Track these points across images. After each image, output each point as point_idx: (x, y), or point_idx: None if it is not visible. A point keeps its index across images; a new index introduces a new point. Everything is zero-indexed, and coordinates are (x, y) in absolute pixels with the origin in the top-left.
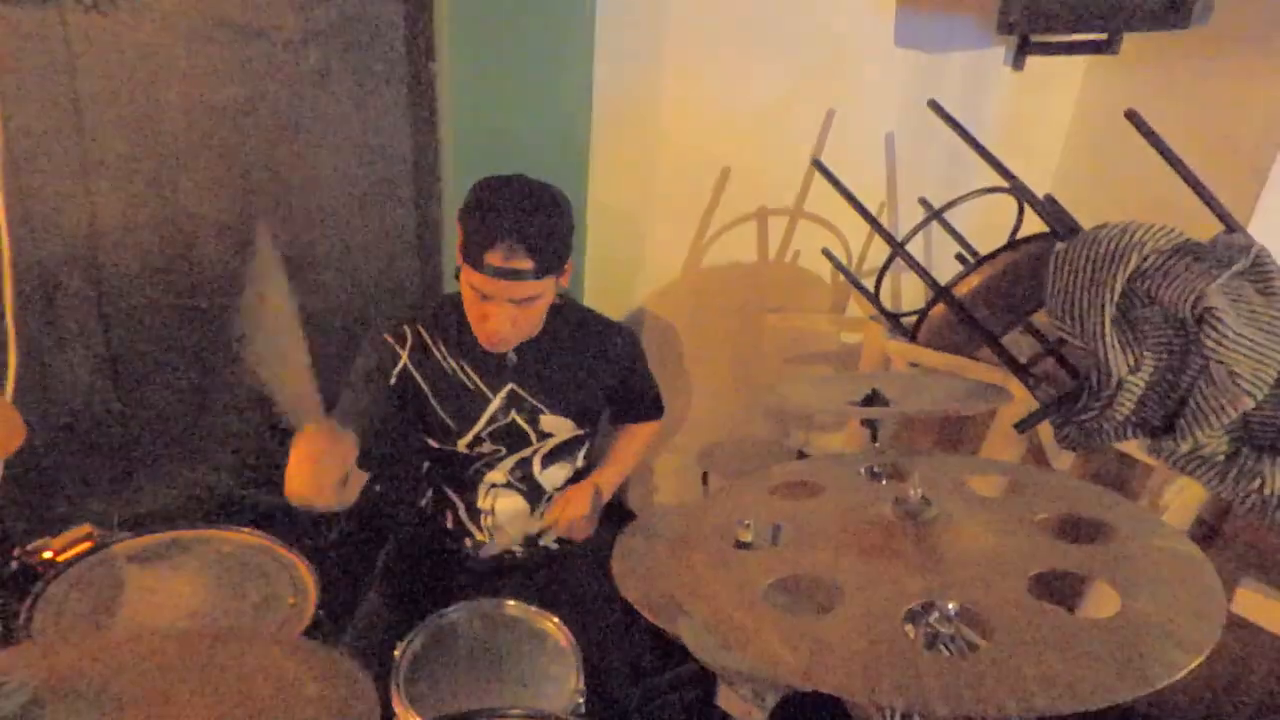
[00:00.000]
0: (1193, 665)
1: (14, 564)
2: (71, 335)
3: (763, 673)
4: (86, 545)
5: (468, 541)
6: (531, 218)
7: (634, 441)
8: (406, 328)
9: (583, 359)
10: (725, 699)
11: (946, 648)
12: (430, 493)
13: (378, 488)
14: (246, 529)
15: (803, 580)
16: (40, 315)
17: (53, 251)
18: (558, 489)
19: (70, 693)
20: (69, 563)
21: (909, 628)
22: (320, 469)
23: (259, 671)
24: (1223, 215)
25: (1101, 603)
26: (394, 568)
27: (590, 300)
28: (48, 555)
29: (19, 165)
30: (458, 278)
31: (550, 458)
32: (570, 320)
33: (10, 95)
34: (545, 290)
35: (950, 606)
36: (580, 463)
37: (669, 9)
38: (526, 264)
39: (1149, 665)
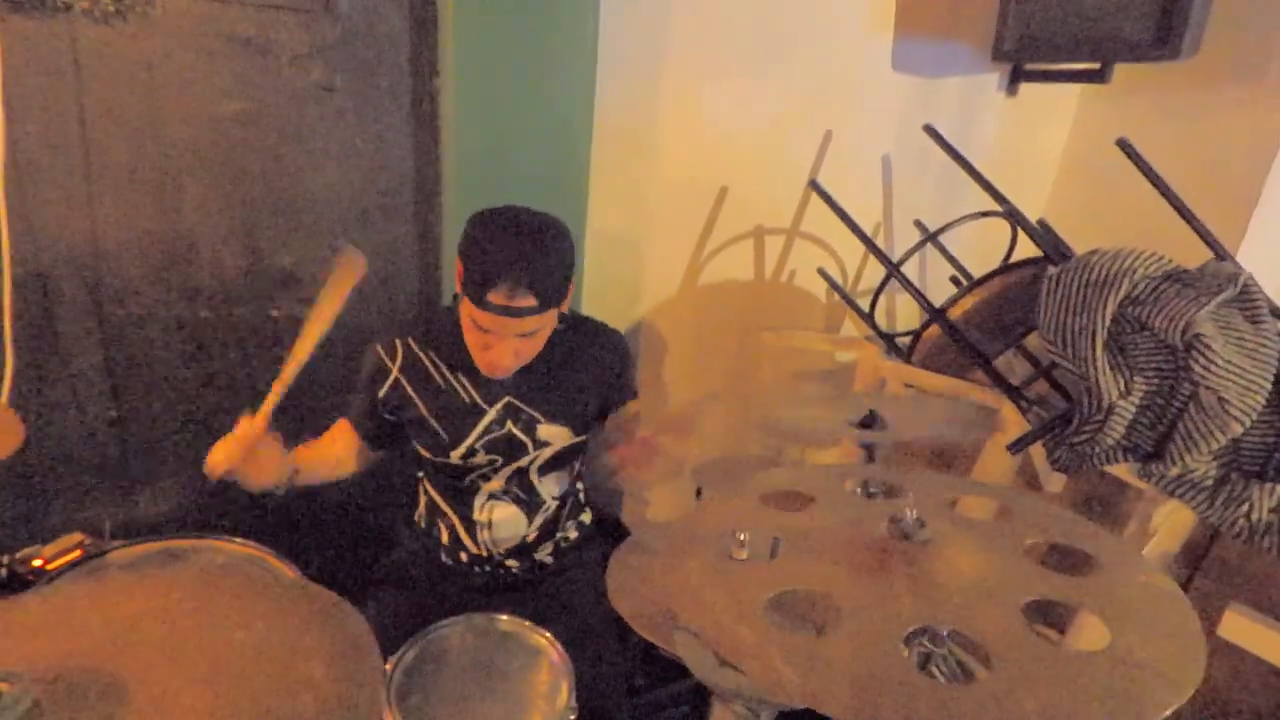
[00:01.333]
0: (1179, 705)
1: (3, 571)
2: (69, 343)
3: (763, 691)
4: (77, 554)
5: (463, 555)
6: (534, 255)
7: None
8: (398, 342)
9: (577, 364)
10: (719, 717)
11: (939, 670)
12: (425, 507)
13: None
14: (239, 539)
15: (797, 595)
16: (39, 323)
17: (53, 260)
18: (554, 498)
19: (72, 695)
20: (59, 571)
21: (906, 651)
22: (239, 454)
23: (264, 655)
24: (1212, 243)
25: (1088, 633)
26: (390, 581)
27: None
28: (38, 563)
29: (22, 173)
30: (456, 302)
31: (547, 467)
32: (564, 328)
33: (16, 104)
34: (548, 322)
35: (944, 631)
36: (577, 468)
37: (670, 30)
38: (530, 301)
39: (1141, 704)
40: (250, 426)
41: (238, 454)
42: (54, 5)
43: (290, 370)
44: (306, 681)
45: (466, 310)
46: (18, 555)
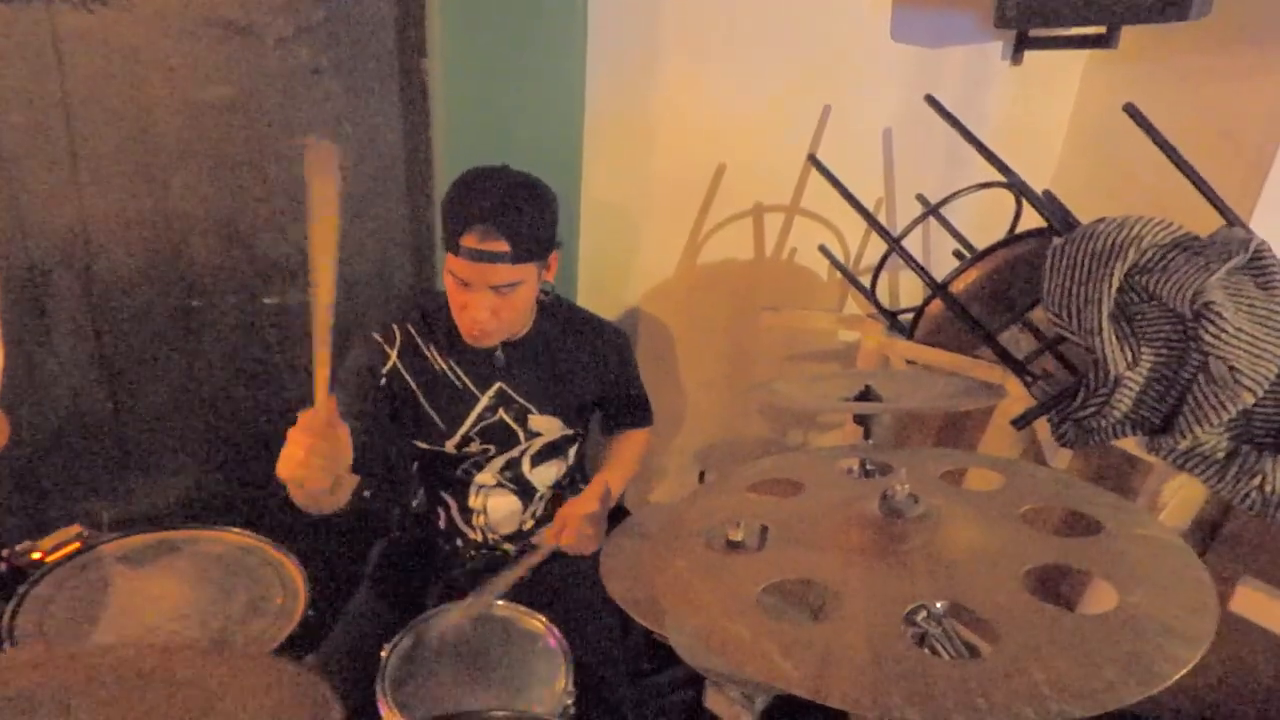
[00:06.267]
0: (1195, 660)
1: (2, 565)
2: (62, 335)
3: (766, 685)
4: (76, 546)
5: (459, 541)
6: (508, 202)
7: (631, 447)
8: (395, 327)
9: (572, 358)
10: (713, 701)
11: (943, 649)
12: (422, 493)
13: (367, 493)
14: (236, 529)
15: (792, 582)
16: (30, 315)
17: (42, 250)
18: (549, 486)
19: (29, 707)
20: (57, 563)
21: (909, 632)
22: (313, 452)
23: (226, 691)
24: (1223, 209)
25: (1098, 598)
26: (385, 567)
27: (584, 298)
28: (36, 556)
29: (8, 163)
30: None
31: (540, 457)
32: (559, 319)
33: None
34: (525, 278)
35: (939, 605)
36: (571, 460)
37: (663, 4)
38: (502, 246)
39: (1155, 662)
40: (314, 410)
41: (314, 440)
42: None
43: (323, 327)
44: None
45: (447, 264)
46: (17, 548)
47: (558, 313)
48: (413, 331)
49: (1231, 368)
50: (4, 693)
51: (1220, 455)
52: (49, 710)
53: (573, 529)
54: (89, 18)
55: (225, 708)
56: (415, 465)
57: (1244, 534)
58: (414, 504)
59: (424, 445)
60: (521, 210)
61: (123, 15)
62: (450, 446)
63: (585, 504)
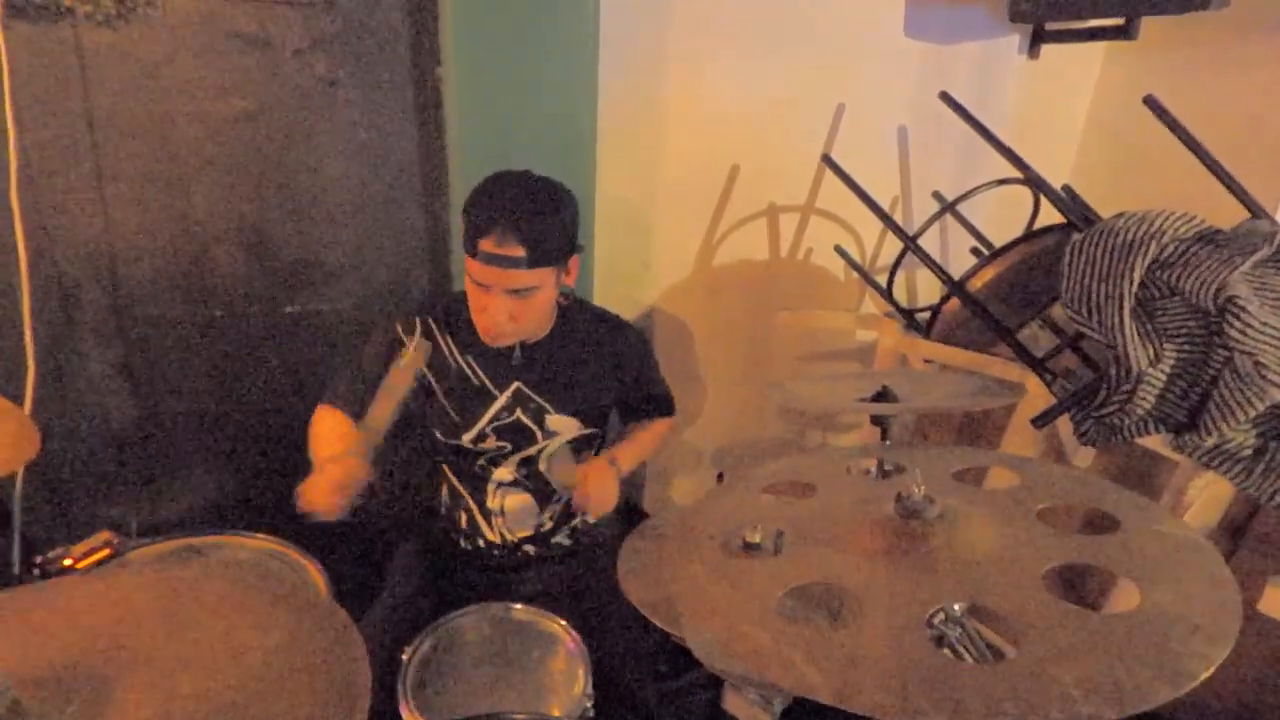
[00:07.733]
0: (1223, 658)
1: (35, 571)
2: (89, 345)
3: (790, 691)
4: (105, 552)
5: (480, 541)
6: (525, 207)
7: (648, 432)
8: (417, 319)
9: (591, 359)
10: (732, 703)
11: (967, 651)
12: (443, 493)
13: (394, 486)
14: (261, 535)
15: (811, 586)
16: (58, 326)
17: (69, 263)
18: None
19: (55, 691)
20: (87, 569)
21: (930, 634)
22: (341, 494)
23: (253, 651)
24: (1247, 201)
25: (1121, 597)
26: (407, 570)
27: (600, 300)
28: (68, 562)
29: (35, 178)
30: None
31: None
32: (579, 320)
33: (25, 109)
34: (542, 283)
35: (956, 608)
36: (591, 459)
37: (674, 6)
38: (519, 251)
39: (1184, 661)
40: (347, 467)
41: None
42: (56, 10)
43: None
44: (298, 678)
45: (467, 267)
46: (49, 555)
47: (577, 314)
48: (433, 325)
49: (1258, 363)
50: (29, 681)
51: (1247, 452)
52: (76, 696)
53: (595, 479)
54: (111, 34)
55: (257, 674)
56: (435, 461)
57: (1272, 533)
58: (438, 502)
59: (441, 437)
60: (538, 216)
61: (144, 31)
62: (466, 440)
63: (596, 481)
